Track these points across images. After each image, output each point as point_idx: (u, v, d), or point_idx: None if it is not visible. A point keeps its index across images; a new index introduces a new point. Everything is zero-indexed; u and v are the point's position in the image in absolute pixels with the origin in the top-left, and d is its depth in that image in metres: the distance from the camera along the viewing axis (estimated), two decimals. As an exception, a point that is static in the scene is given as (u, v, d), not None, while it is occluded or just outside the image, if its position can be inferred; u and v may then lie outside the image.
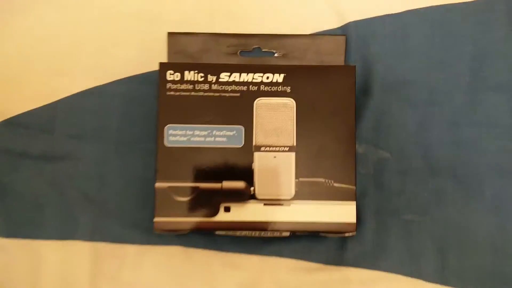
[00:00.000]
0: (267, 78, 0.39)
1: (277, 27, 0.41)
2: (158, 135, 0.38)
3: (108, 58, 0.41)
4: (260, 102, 0.38)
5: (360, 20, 0.41)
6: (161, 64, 0.39)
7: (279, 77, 0.39)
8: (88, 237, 0.40)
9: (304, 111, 0.38)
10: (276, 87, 0.39)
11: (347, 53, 0.41)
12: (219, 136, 0.38)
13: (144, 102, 0.40)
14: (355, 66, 0.40)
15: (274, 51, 0.40)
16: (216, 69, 0.39)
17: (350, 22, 0.41)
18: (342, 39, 0.40)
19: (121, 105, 0.40)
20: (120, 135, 0.40)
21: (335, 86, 0.39)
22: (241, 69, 0.39)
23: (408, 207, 0.40)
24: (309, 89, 0.39)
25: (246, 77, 0.39)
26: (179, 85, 0.39)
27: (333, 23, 0.42)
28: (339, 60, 0.42)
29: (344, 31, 0.41)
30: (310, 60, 0.41)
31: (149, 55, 0.40)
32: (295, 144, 0.38)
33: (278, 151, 0.37)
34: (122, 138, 0.40)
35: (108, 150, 0.40)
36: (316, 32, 0.41)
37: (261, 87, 0.38)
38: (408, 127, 0.41)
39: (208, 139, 0.38)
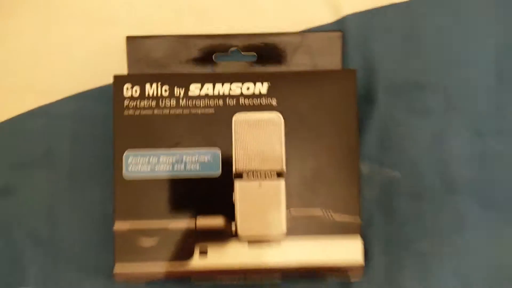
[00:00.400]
0: (247, 89, 0.32)
1: (259, 24, 0.35)
2: (115, 164, 0.31)
3: (53, 71, 0.35)
4: (239, 119, 0.32)
5: (359, 12, 0.35)
6: (116, 77, 0.31)
7: (262, 87, 0.32)
8: (39, 286, 0.33)
9: (295, 127, 0.32)
10: (258, 100, 0.32)
11: (345, 52, 0.35)
12: (191, 163, 0.31)
13: (100, 122, 0.34)
14: (355, 70, 0.33)
15: (256, 54, 0.34)
16: (184, 80, 0.32)
17: (347, 16, 0.35)
18: (338, 36, 0.34)
19: (72, 126, 0.35)
20: (73, 162, 0.34)
21: (331, 95, 0.32)
22: (214, 78, 0.32)
23: (424, 237, 0.34)
24: (300, 101, 0.32)
25: (221, 88, 0.32)
26: (139, 101, 0.32)
27: (327, 17, 0.36)
28: (335, 62, 0.35)
29: (340, 26, 0.36)
30: (300, 63, 0.34)
31: (105, 66, 0.35)
32: (284, 168, 0.32)
33: (264, 178, 0.31)
34: (75, 166, 0.34)
35: (59, 181, 0.34)
36: (307, 29, 0.35)
37: (241, 101, 0.32)
38: (421, 139, 0.35)
39: (177, 167, 0.31)
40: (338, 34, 0.34)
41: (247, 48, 0.34)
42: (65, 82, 0.35)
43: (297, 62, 0.34)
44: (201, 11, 0.37)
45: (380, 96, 0.35)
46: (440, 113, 0.35)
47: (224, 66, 0.34)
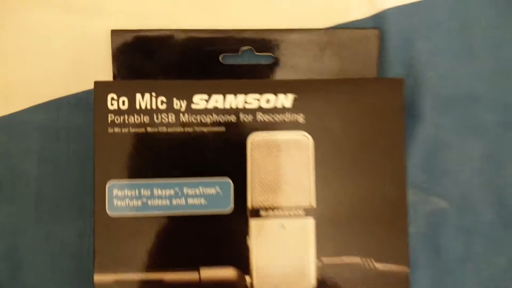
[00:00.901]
0: (267, 101, 0.25)
1: (277, 18, 0.30)
2: (96, 197, 0.24)
3: (17, 72, 0.29)
4: (256, 140, 0.26)
5: (400, 6, 0.30)
6: (98, 84, 0.24)
7: (285, 100, 0.25)
8: None
9: (327, 151, 0.26)
10: (281, 115, 0.26)
11: (382, 55, 0.30)
12: (194, 197, 0.25)
13: (76, 138, 0.29)
14: (403, 80, 0.26)
15: (274, 55, 0.28)
16: (186, 89, 0.25)
17: (386, 10, 0.30)
18: (374, 34, 0.29)
19: (40, 142, 0.29)
20: (40, 191, 0.28)
21: (373, 110, 0.26)
22: (225, 87, 0.26)
23: (480, 281, 0.29)
24: (333, 117, 0.26)
25: (233, 100, 0.25)
26: (127, 116, 0.25)
27: (361, 11, 0.30)
28: (370, 66, 0.29)
29: (377, 22, 0.30)
30: (328, 67, 0.29)
31: (83, 67, 0.29)
32: (314, 204, 0.26)
33: (288, 216, 0.25)
34: (44, 196, 0.28)
35: (22, 212, 0.28)
36: (336, 25, 0.30)
37: (258, 116, 0.26)
38: (474, 162, 0.30)
39: (176, 202, 0.25)
40: (375, 32, 0.29)
41: (262, 48, 0.28)
42: (31, 87, 0.29)
43: (324, 66, 0.29)
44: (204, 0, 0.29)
45: (426, 110, 0.30)
46: (496, 131, 0.30)
47: (234, 70, 0.28)
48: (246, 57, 0.29)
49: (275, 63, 0.29)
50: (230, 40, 0.29)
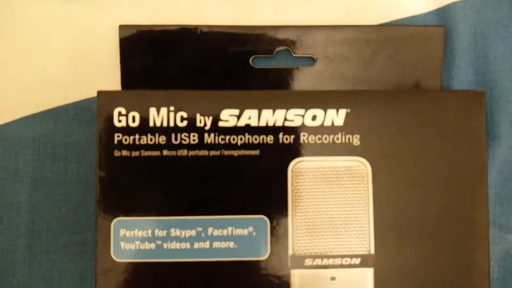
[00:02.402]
0: (313, 118, 0.21)
1: (320, 13, 0.25)
2: (98, 237, 0.21)
3: (5, 76, 0.25)
4: (300, 168, 0.21)
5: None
6: (102, 94, 0.20)
7: (336, 116, 0.21)
8: None
9: (389, 182, 0.21)
10: (331, 136, 0.21)
11: (448, 58, 0.25)
12: (221, 239, 0.21)
13: (76, 156, 0.24)
14: (483, 92, 0.20)
15: (315, 57, 0.24)
16: (212, 102, 0.21)
17: (453, 3, 0.26)
18: (438, 33, 0.25)
19: (33, 162, 0.24)
20: (33, 222, 0.24)
21: (446, 130, 0.21)
22: (261, 100, 0.21)
23: None
24: (397, 139, 0.21)
25: (271, 117, 0.21)
26: (138, 136, 0.20)
27: (423, 5, 0.26)
28: (433, 71, 0.25)
29: (442, 18, 0.26)
30: (382, 73, 0.24)
31: (84, 70, 0.25)
32: (372, 251, 0.21)
33: (340, 266, 0.21)
34: (37, 229, 0.24)
35: (12, 252, 0.24)
36: (392, 21, 0.26)
37: (302, 137, 0.21)
38: None
39: (198, 245, 0.21)
40: (439, 30, 0.25)
41: (301, 48, 0.24)
42: (23, 93, 0.25)
43: (377, 72, 0.24)
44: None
45: (502, 128, 0.25)
46: None
47: (266, 76, 0.24)
48: (281, 60, 0.25)
49: (317, 67, 0.24)
50: (263, 38, 0.24)
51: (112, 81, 0.24)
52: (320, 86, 0.24)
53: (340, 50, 0.25)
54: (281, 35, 0.25)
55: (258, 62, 0.25)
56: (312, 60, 0.25)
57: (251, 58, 0.25)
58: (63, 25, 0.25)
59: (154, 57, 0.24)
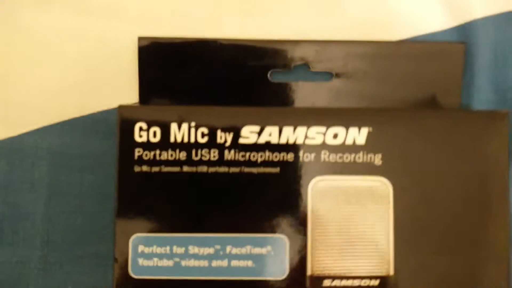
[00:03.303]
0: (335, 136, 0.20)
1: (339, 28, 0.25)
2: (116, 253, 0.19)
3: (21, 87, 0.24)
4: (320, 187, 0.21)
5: (491, 16, 0.25)
6: (122, 109, 0.19)
7: (358, 135, 0.20)
8: None
9: (411, 203, 0.21)
10: (352, 155, 0.21)
11: (467, 76, 0.25)
12: (239, 257, 0.20)
13: (93, 168, 0.24)
14: (507, 112, 0.20)
15: (334, 73, 0.24)
16: (233, 119, 0.20)
17: (474, 21, 0.25)
18: (458, 49, 0.24)
19: (48, 173, 0.24)
20: (48, 234, 0.24)
21: (469, 149, 0.20)
22: (282, 117, 0.20)
23: None
24: (420, 159, 0.21)
25: (291, 134, 0.20)
26: (159, 152, 0.19)
27: (443, 21, 0.25)
28: (453, 89, 0.24)
29: (463, 35, 0.25)
30: (401, 90, 0.23)
31: (102, 81, 0.24)
32: (392, 272, 0.20)
33: (359, 287, 0.20)
34: (52, 241, 0.24)
35: (26, 264, 0.23)
36: (411, 38, 0.25)
37: (323, 155, 0.21)
38: None
39: (216, 263, 0.20)
40: (460, 46, 0.24)
41: (320, 63, 0.24)
42: (39, 105, 0.24)
43: (396, 86, 0.24)
44: (249, 7, 0.24)
45: None
46: None
47: (284, 90, 0.23)
48: (299, 74, 0.25)
49: (335, 82, 0.24)
50: (281, 53, 0.24)
51: (130, 93, 0.24)
52: (338, 102, 0.24)
53: (358, 66, 0.24)
54: (299, 50, 0.24)
55: (276, 77, 0.25)
56: (330, 75, 0.24)
57: (269, 72, 0.24)
58: (80, 37, 0.24)
59: (172, 69, 0.24)
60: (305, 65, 0.24)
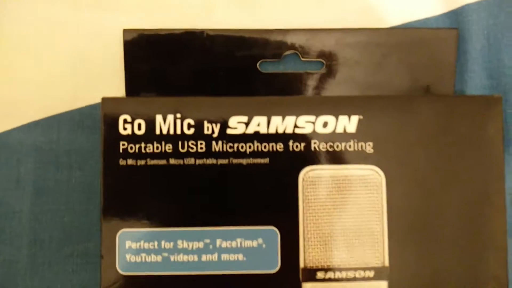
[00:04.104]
0: (325, 124, 0.20)
1: (329, 16, 0.25)
2: (103, 249, 0.19)
3: (8, 81, 0.24)
4: (311, 177, 0.20)
5: (485, 0, 0.25)
6: (106, 101, 0.19)
7: (348, 123, 0.20)
8: None
9: (404, 191, 0.20)
10: (344, 143, 0.21)
11: (462, 61, 0.25)
12: (230, 251, 0.20)
13: (80, 164, 0.24)
14: (500, 96, 0.20)
15: (325, 62, 0.23)
16: (220, 109, 0.20)
17: (465, 5, 0.25)
18: (451, 35, 0.24)
19: (35, 170, 0.23)
20: (35, 232, 0.23)
21: (464, 137, 0.20)
22: (271, 107, 0.20)
23: None
24: (412, 146, 0.20)
25: (280, 124, 0.20)
26: (144, 145, 0.19)
27: (434, 7, 0.25)
28: (446, 76, 0.24)
29: (455, 20, 0.25)
30: (394, 78, 0.23)
31: (88, 75, 0.24)
32: (387, 263, 0.20)
33: (353, 279, 0.20)
34: (39, 239, 0.23)
35: (13, 263, 0.23)
36: (403, 24, 0.25)
37: (313, 144, 0.21)
38: None
39: (206, 257, 0.20)
40: (452, 32, 0.24)
41: (310, 52, 0.24)
42: (26, 100, 0.24)
43: (388, 76, 0.23)
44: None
45: None
46: None
47: (274, 80, 0.23)
48: (289, 64, 0.24)
49: (327, 72, 0.23)
50: (271, 42, 0.24)
51: (117, 87, 0.24)
52: (329, 91, 0.24)
53: (350, 54, 0.24)
54: (289, 39, 0.24)
55: (266, 67, 0.24)
56: (321, 65, 0.24)
57: (259, 62, 0.24)
58: (66, 30, 0.24)
59: (159, 62, 0.23)
60: (296, 55, 0.24)
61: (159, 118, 0.20)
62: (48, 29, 0.24)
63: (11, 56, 0.24)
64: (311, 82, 0.24)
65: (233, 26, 0.24)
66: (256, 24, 0.24)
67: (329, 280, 0.20)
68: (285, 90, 0.24)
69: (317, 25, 0.25)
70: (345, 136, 0.20)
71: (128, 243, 0.20)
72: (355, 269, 0.20)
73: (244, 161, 0.20)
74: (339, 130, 0.20)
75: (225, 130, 0.20)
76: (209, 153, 0.20)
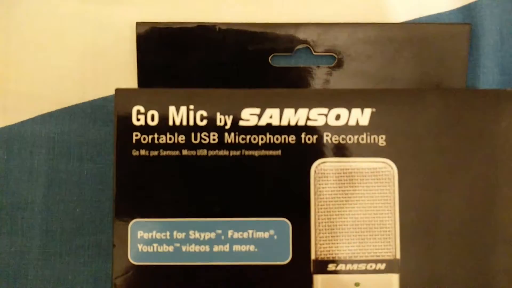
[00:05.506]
0: (337, 117, 0.20)
1: (342, 10, 0.25)
2: (115, 240, 0.19)
3: (20, 74, 0.24)
4: (323, 169, 0.20)
5: None
6: (120, 92, 0.19)
7: (361, 116, 0.20)
8: None
9: (416, 184, 0.20)
10: (356, 136, 0.21)
11: (473, 57, 0.24)
12: (241, 242, 0.20)
13: (92, 156, 0.24)
14: (513, 90, 0.20)
15: (337, 56, 0.24)
16: (233, 101, 0.20)
17: (479, 0, 0.25)
18: (463, 31, 0.24)
19: (47, 161, 0.23)
20: (47, 223, 0.23)
21: (475, 129, 0.20)
22: (283, 99, 0.20)
23: None
24: (425, 139, 0.20)
25: (293, 116, 0.20)
26: (157, 136, 0.19)
27: (447, 2, 0.25)
28: (458, 71, 0.24)
29: (468, 16, 0.25)
30: (406, 72, 0.23)
31: (100, 68, 0.24)
32: (398, 255, 0.20)
33: (364, 271, 0.20)
34: (51, 230, 0.23)
35: (25, 253, 0.23)
36: (416, 19, 0.25)
37: (326, 137, 0.20)
38: None
39: (218, 248, 0.20)
40: (465, 28, 0.24)
41: (322, 46, 0.24)
42: (38, 92, 0.24)
43: (400, 70, 0.23)
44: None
45: None
46: None
47: (286, 74, 0.23)
48: (301, 58, 0.24)
49: (338, 65, 0.23)
50: (283, 36, 0.24)
51: (129, 79, 0.24)
52: (341, 85, 0.24)
53: (362, 49, 0.24)
54: (301, 33, 0.24)
55: (278, 61, 0.24)
56: (333, 59, 0.24)
57: (271, 56, 0.24)
58: (79, 23, 0.24)
59: (171, 55, 0.23)
60: (308, 49, 0.24)
61: (172, 109, 0.20)
62: (60, 22, 0.24)
63: (24, 49, 0.24)
64: (323, 76, 0.24)
65: (245, 20, 0.24)
66: (268, 18, 0.25)
67: (340, 272, 0.20)
68: (296, 84, 0.24)
69: (329, 20, 0.25)
70: (357, 129, 0.20)
71: (140, 233, 0.20)
72: (367, 262, 0.20)
73: (256, 153, 0.20)
74: (352, 122, 0.20)
75: (237, 122, 0.20)
76: (221, 144, 0.20)
